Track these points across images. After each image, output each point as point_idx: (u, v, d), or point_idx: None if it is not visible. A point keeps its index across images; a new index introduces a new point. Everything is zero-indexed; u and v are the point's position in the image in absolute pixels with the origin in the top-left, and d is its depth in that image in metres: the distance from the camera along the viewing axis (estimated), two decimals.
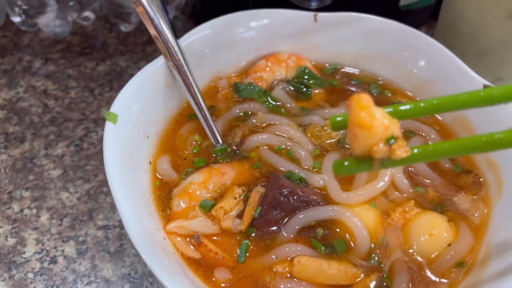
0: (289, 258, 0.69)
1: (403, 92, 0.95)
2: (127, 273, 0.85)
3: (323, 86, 0.95)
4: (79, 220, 0.92)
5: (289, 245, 0.70)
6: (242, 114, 0.89)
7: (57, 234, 0.90)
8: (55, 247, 0.88)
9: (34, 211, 0.93)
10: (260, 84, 0.93)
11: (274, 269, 0.68)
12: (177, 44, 0.81)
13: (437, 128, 0.88)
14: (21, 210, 0.93)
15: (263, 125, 0.86)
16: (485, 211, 0.76)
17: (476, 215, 0.76)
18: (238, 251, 0.70)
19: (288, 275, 0.68)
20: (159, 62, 0.83)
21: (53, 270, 0.85)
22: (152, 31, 0.80)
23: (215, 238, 0.72)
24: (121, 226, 0.91)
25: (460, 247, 0.72)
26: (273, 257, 0.69)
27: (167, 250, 0.67)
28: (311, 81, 0.94)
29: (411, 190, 0.78)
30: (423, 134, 0.87)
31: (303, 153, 0.81)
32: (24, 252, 0.87)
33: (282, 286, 0.66)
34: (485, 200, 0.77)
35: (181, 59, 0.82)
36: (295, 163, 0.80)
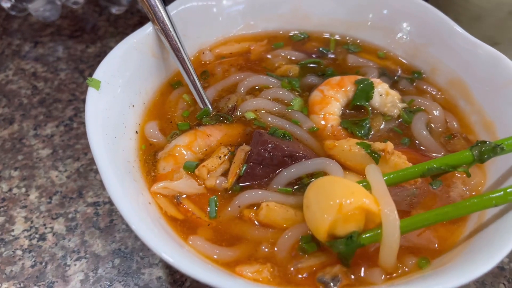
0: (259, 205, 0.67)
1: (396, 58, 0.92)
2: (117, 248, 0.83)
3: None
4: (68, 198, 0.90)
5: (250, 190, 0.69)
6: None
7: (46, 211, 0.88)
8: (44, 225, 0.86)
9: (23, 189, 0.92)
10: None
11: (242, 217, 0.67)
12: (165, 9, 0.80)
13: (439, 94, 0.87)
14: (10, 189, 0.92)
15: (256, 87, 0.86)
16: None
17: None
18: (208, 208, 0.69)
19: (256, 221, 0.67)
20: (146, 30, 0.82)
21: (42, 247, 0.83)
22: None
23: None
24: (111, 202, 0.89)
25: None
26: (236, 203, 0.67)
27: (152, 215, 0.65)
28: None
29: None
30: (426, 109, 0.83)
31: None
32: (13, 230, 0.86)
33: (256, 232, 0.65)
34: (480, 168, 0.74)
35: (169, 24, 0.80)
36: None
